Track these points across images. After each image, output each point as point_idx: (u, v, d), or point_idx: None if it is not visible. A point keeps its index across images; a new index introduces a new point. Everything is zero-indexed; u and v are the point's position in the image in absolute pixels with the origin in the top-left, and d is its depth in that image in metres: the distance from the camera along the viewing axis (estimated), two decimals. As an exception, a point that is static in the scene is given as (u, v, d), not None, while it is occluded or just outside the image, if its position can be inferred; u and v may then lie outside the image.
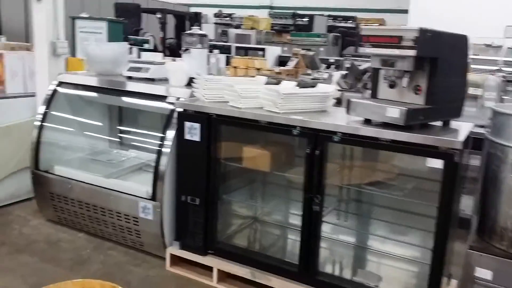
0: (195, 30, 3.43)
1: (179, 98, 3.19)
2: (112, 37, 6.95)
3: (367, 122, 2.57)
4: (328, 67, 7.03)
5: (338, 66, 7.51)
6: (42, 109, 3.71)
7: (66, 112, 3.89)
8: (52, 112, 3.73)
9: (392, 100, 2.57)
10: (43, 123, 3.68)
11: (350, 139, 2.50)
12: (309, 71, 7.57)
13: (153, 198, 3.16)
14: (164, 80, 3.61)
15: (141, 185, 3.37)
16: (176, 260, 3.20)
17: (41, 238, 3.56)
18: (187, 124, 2.97)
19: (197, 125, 2.94)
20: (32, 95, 4.14)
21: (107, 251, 3.41)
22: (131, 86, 3.42)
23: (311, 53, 6.83)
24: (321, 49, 9.75)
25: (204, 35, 3.42)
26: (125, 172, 3.75)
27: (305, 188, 2.64)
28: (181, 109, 3.03)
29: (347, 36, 10.89)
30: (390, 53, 2.39)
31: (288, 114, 2.69)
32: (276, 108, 2.70)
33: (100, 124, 4.21)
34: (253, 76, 3.33)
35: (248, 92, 2.80)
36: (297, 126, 2.62)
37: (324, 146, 2.57)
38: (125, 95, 3.56)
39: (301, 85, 3.19)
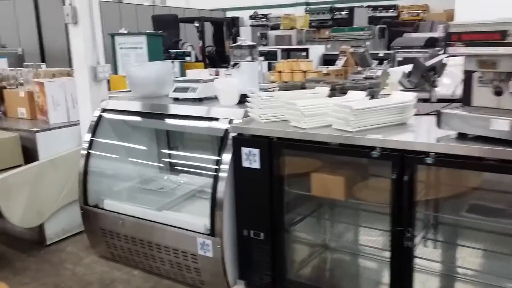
0: (243, 41, 3.08)
1: (232, 120, 2.85)
2: (152, 51, 6.78)
3: (461, 137, 2.13)
4: (380, 63, 6.52)
5: (389, 61, 6.98)
6: (87, 137, 3.47)
7: (112, 139, 3.64)
8: (98, 140, 3.49)
9: (493, 108, 2.11)
10: (90, 152, 3.45)
11: (447, 160, 2.06)
12: (360, 69, 7.06)
13: (212, 233, 2.83)
14: (213, 99, 3.29)
15: (198, 218, 3.06)
16: (242, 300, 2.87)
17: (95, 278, 3.32)
18: (244, 150, 2.63)
19: (256, 151, 2.58)
20: (76, 123, 3.93)
21: (166, 292, 3.12)
22: (179, 109, 3.12)
23: (361, 50, 6.33)
24: (367, 43, 9.20)
25: (253, 46, 3.07)
26: (178, 201, 3.46)
27: (393, 220, 2.23)
28: (235, 133, 2.69)
29: (392, 26, 10.27)
30: (492, 52, 1.94)
31: (363, 132, 2.29)
32: (349, 126, 2.30)
33: (147, 149, 3.95)
34: (312, 87, 2.94)
35: (312, 110, 2.41)
36: (376, 147, 2.20)
37: (413, 169, 2.14)
38: (173, 118, 3.26)
39: (370, 93, 2.78)
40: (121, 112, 3.47)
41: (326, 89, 2.78)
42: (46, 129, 3.74)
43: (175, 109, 3.15)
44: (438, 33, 8.03)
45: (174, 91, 3.36)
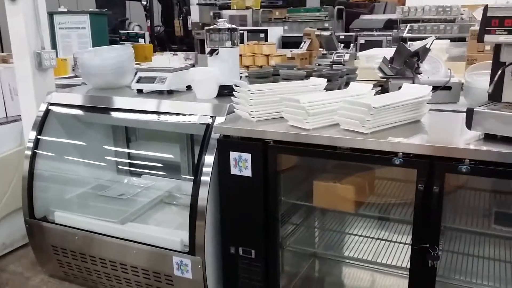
0: (222, 23, 2.61)
1: (214, 117, 2.40)
2: (96, 31, 6.11)
3: (489, 138, 1.84)
4: (346, 46, 6.24)
5: (349, 44, 6.72)
6: (32, 136, 2.88)
7: (62, 137, 3.06)
8: (44, 139, 2.91)
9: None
10: (36, 152, 2.87)
11: (485, 168, 1.74)
12: (324, 53, 6.76)
13: (191, 251, 2.40)
14: (183, 92, 2.82)
15: (172, 232, 2.62)
16: (228, 326, 2.47)
17: (47, 305, 2.80)
18: (233, 155, 2.20)
19: (247, 156, 2.16)
20: (16, 119, 3.31)
21: (134, 318, 2.66)
22: (148, 105, 2.62)
23: (328, 32, 6.00)
24: (326, 24, 8.90)
25: (234, 30, 2.61)
26: (143, 210, 2.97)
27: (415, 236, 1.90)
28: (217, 135, 2.26)
29: (347, 7, 10.04)
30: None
31: (378, 134, 1.94)
32: (363, 127, 1.93)
33: (102, 149, 3.40)
34: (287, 75, 2.52)
35: (317, 107, 2.02)
36: (398, 152, 1.86)
37: (443, 179, 1.81)
38: (137, 114, 2.75)
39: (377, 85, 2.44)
40: (72, 106, 2.91)
41: (323, 81, 2.39)
42: (-22, 126, 3.10)
43: (142, 103, 2.64)
44: (396, 15, 7.90)
45: (138, 81, 2.85)
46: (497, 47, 1.87)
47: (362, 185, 2.13)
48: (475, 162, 1.74)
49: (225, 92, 2.63)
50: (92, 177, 3.31)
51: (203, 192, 2.32)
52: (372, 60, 4.48)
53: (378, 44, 7.37)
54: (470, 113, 1.83)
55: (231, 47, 2.61)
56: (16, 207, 3.33)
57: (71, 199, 3.10)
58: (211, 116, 2.42)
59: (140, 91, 2.85)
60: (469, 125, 1.84)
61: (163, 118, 2.60)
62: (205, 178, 2.32)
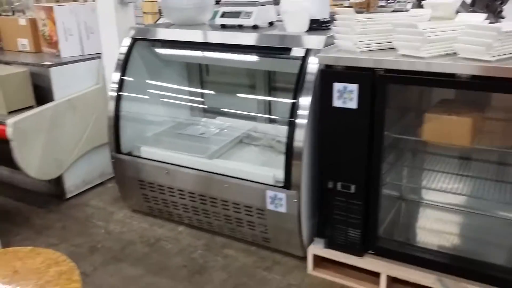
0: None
1: (310, 49, 2.33)
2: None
3: None
4: (403, -5, 5.97)
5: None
6: (116, 76, 2.89)
7: (142, 76, 3.07)
8: (127, 79, 2.92)
9: None
10: (120, 95, 2.89)
11: None
12: (383, 3, 6.55)
13: (287, 185, 2.40)
14: (266, 28, 2.75)
15: (261, 168, 2.62)
16: (318, 261, 2.49)
17: (135, 236, 2.88)
18: (337, 85, 2.13)
19: (353, 87, 2.10)
20: (92, 57, 3.32)
21: (222, 251, 2.71)
22: (240, 38, 2.56)
23: (388, -21, 5.74)
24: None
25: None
26: (226, 148, 2.98)
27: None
28: (321, 65, 2.19)
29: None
30: None
31: (502, 62, 1.83)
32: (488, 54, 1.83)
33: (179, 88, 3.40)
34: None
35: (436, 34, 1.92)
36: (531, 79, 1.75)
37: None
38: (225, 49, 2.71)
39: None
40: (157, 41, 2.89)
41: (427, 11, 2.27)
42: (61, 63, 3.11)
43: (232, 37, 2.59)
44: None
45: (222, 16, 2.79)
46: None
47: (480, 120, 2.05)
48: None
49: (314, 26, 2.56)
50: (169, 117, 3.33)
51: (300, 134, 2.29)
52: (438, 9, 4.27)
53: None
54: None
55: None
56: (95, 145, 3.41)
57: (153, 136, 3.13)
58: (307, 50, 2.35)
59: (223, 26, 2.80)
60: None
61: (251, 53, 2.56)
62: (301, 121, 2.28)
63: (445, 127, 2.04)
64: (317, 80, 2.27)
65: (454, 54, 1.96)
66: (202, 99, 3.51)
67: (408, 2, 5.27)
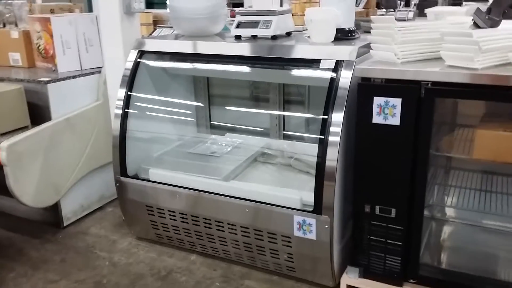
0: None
1: (341, 60, 2.14)
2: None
3: None
4: (406, 4, 5.89)
5: (409, 2, 6.36)
6: (122, 92, 2.64)
7: (148, 92, 2.83)
8: (133, 94, 2.68)
9: None
10: (127, 112, 2.64)
11: None
12: (383, 12, 6.41)
13: (317, 210, 2.18)
14: (286, 37, 2.57)
15: (284, 190, 2.40)
16: (351, 292, 2.28)
17: (145, 269, 2.60)
18: (378, 100, 1.94)
19: (396, 101, 1.91)
20: (92, 72, 3.07)
21: (243, 282, 2.47)
22: (261, 50, 2.36)
23: (388, -11, 5.65)
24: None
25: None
26: (242, 168, 2.75)
27: None
28: (352, 78, 2.00)
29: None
30: None
31: None
32: (551, 64, 1.66)
33: (186, 104, 3.17)
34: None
35: (491, 43, 1.75)
36: None
37: None
38: (244, 61, 2.50)
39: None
40: (165, 55, 2.67)
41: (468, 18, 2.10)
42: (59, 79, 2.85)
43: (253, 49, 2.38)
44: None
45: (238, 26, 2.58)
46: None
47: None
48: None
49: (339, 35, 2.38)
50: (177, 133, 3.10)
51: (332, 154, 2.08)
52: (442, 17, 4.14)
53: (433, 3, 6.98)
54: None
55: (352, -15, 2.33)
56: (93, 167, 3.15)
57: (160, 157, 2.88)
58: (337, 61, 2.16)
59: (238, 37, 2.60)
60: None
61: (272, 66, 2.36)
62: (333, 139, 2.08)
63: (502, 144, 1.85)
64: (350, 94, 2.08)
65: (510, 64, 1.79)
66: (209, 115, 3.29)
67: (410, 11, 5.17)
